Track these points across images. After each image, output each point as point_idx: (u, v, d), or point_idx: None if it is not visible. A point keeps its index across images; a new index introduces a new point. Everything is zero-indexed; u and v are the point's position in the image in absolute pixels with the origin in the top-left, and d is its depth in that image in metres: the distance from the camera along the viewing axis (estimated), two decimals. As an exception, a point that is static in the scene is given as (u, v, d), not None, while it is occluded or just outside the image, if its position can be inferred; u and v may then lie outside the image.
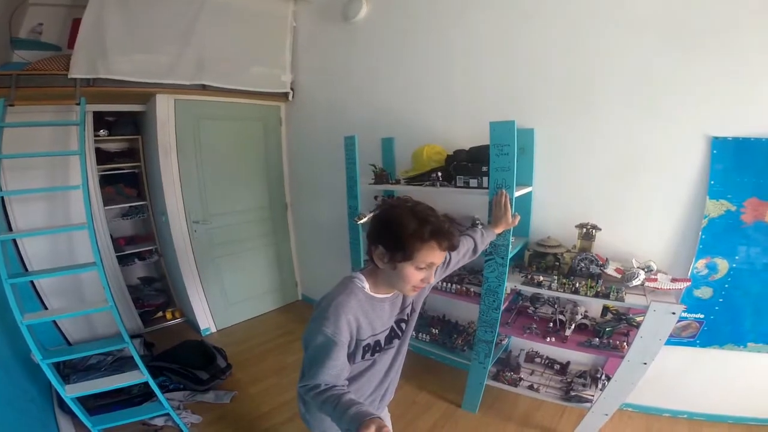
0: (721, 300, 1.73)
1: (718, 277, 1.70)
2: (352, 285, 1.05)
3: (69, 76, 2.12)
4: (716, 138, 1.57)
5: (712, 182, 1.60)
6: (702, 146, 1.62)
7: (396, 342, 1.19)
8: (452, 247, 1.02)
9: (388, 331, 1.13)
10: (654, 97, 1.69)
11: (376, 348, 1.11)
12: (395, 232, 0.96)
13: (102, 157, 2.89)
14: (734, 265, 1.66)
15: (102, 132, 2.85)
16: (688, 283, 1.63)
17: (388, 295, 1.11)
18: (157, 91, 2.56)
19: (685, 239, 1.74)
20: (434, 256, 0.98)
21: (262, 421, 2.18)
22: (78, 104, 2.07)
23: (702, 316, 1.78)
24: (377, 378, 1.18)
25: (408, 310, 1.19)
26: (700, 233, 1.67)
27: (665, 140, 1.70)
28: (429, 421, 2.13)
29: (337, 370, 0.96)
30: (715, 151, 1.58)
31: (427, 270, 1.01)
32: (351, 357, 1.04)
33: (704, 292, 1.74)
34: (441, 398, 2.30)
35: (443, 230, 0.97)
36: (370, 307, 1.06)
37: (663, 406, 2.03)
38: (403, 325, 1.19)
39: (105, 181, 2.96)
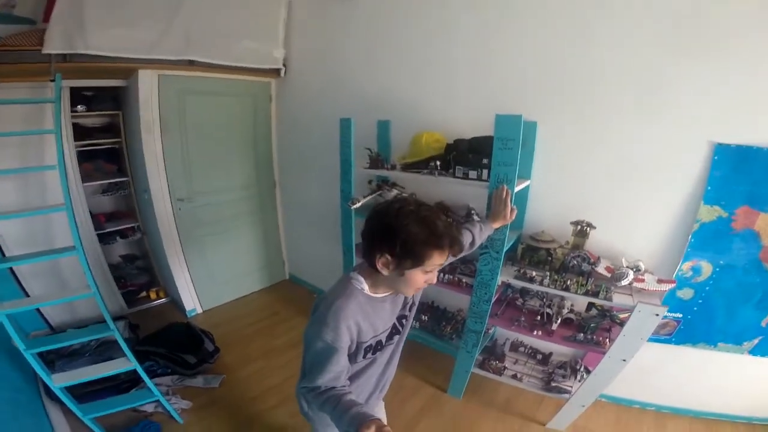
0: (700, 301, 1.80)
1: (700, 280, 1.76)
2: (350, 287, 1.03)
3: (43, 52, 1.94)
4: (719, 144, 1.57)
5: (709, 188, 1.62)
6: (704, 152, 1.61)
7: (396, 338, 1.20)
8: (460, 250, 1.04)
9: (389, 330, 1.13)
10: (661, 100, 1.66)
11: (377, 347, 1.11)
12: (404, 240, 0.93)
13: (80, 132, 2.71)
14: (717, 269, 1.72)
15: (80, 107, 2.66)
16: (673, 285, 1.68)
17: (388, 294, 1.10)
18: (140, 66, 2.38)
19: (674, 241, 1.78)
20: (442, 259, 0.99)
21: (252, 405, 2.21)
22: (53, 81, 1.92)
23: (681, 315, 1.85)
24: (376, 374, 1.20)
25: (409, 305, 1.20)
26: (689, 237, 1.71)
27: (668, 143, 1.69)
28: (416, 405, 2.21)
29: (336, 373, 0.97)
30: (716, 158, 1.58)
31: (432, 272, 1.01)
32: (352, 357, 1.04)
33: (686, 293, 1.81)
34: (427, 383, 2.38)
35: (453, 236, 0.98)
36: (371, 309, 1.05)
37: (634, 398, 2.15)
38: (404, 321, 1.20)
39: (83, 157, 2.79)
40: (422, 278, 1.00)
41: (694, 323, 1.85)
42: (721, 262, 1.70)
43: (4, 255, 2.30)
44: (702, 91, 1.57)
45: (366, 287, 1.04)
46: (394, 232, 0.93)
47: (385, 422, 1.46)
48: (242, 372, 2.48)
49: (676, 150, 1.67)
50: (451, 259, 1.38)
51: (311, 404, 1.18)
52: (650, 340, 1.87)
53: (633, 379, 2.03)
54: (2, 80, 2.05)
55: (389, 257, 0.96)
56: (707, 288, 1.76)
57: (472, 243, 1.51)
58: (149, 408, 2.06)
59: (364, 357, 1.08)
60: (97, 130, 2.91)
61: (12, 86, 2.13)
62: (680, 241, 1.76)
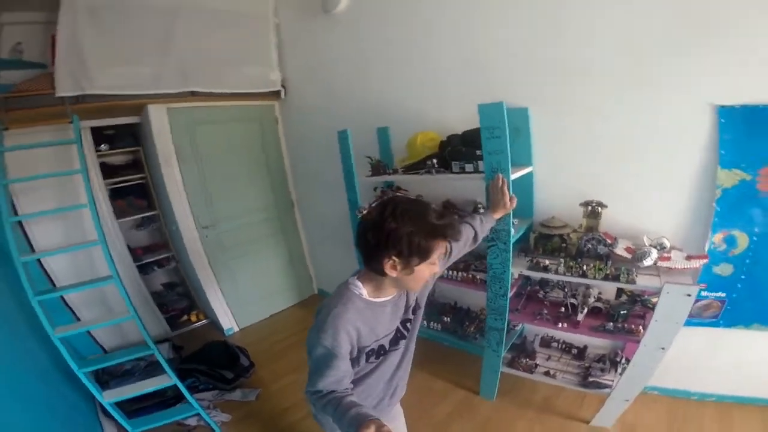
0: (743, 276, 1.61)
1: (738, 252, 1.59)
2: (348, 293, 1.04)
3: (56, 95, 2.09)
4: (722, 107, 1.46)
5: (723, 152, 1.49)
6: (708, 116, 1.51)
7: (402, 342, 1.19)
8: (458, 234, 1.05)
9: (393, 334, 1.13)
10: (652, 68, 1.57)
11: (380, 352, 1.11)
12: (409, 240, 0.95)
13: (108, 171, 2.94)
14: (755, 238, 1.54)
15: (103, 146, 2.86)
16: (705, 260, 1.53)
17: (389, 298, 1.10)
18: (147, 101, 2.55)
19: (698, 212, 1.63)
20: (444, 247, 1.04)
21: (285, 417, 2.26)
22: (71, 122, 2.06)
23: (723, 294, 1.67)
24: (385, 377, 1.20)
25: (412, 308, 1.19)
26: (714, 205, 1.56)
27: (669, 111, 1.58)
28: (446, 408, 2.16)
29: (337, 378, 0.98)
30: (722, 120, 1.46)
31: (437, 263, 1.04)
32: (354, 362, 1.05)
33: (724, 269, 1.63)
34: (458, 386, 2.31)
35: (448, 222, 1.00)
36: (370, 314, 1.05)
37: (691, 389, 1.96)
38: (409, 325, 1.19)
39: (115, 194, 3.02)
40: (429, 271, 1.03)
41: (741, 302, 1.65)
42: (756, 230, 1.53)
43: (55, 286, 2.53)
44: (697, 54, 1.47)
45: (365, 293, 1.05)
46: (398, 235, 0.94)
47: (404, 427, 1.46)
48: (275, 385, 2.55)
49: (679, 116, 1.57)
50: (456, 257, 1.36)
51: (315, 407, 1.20)
52: (695, 324, 1.73)
53: (685, 368, 1.88)
54: (26, 125, 2.20)
55: (396, 259, 0.97)
56: (747, 261, 1.58)
57: (476, 237, 1.47)
58: (192, 422, 2.17)
59: (367, 361, 1.08)
60: (124, 168, 3.12)
61: (38, 130, 2.29)
62: (704, 211, 1.61)
